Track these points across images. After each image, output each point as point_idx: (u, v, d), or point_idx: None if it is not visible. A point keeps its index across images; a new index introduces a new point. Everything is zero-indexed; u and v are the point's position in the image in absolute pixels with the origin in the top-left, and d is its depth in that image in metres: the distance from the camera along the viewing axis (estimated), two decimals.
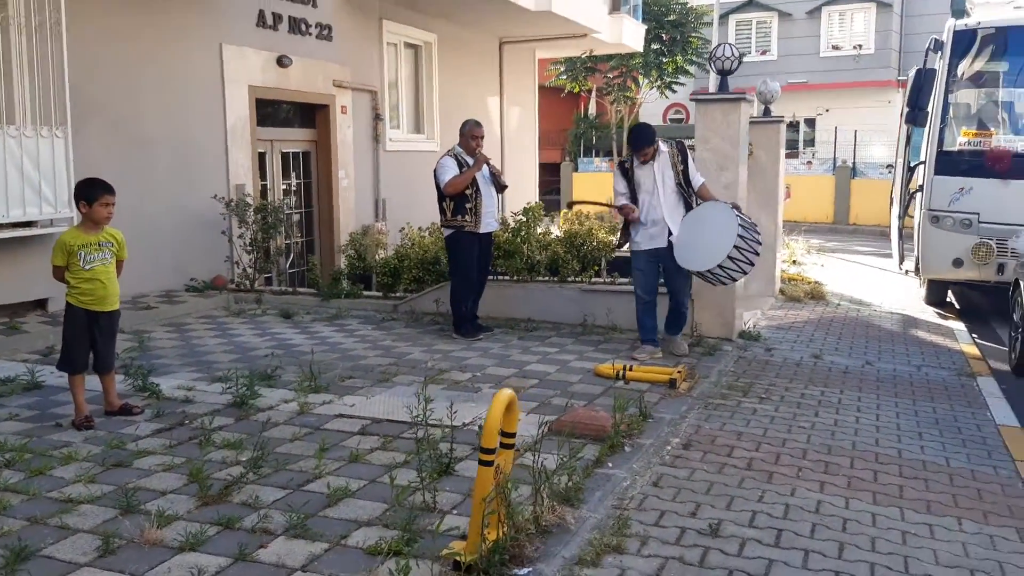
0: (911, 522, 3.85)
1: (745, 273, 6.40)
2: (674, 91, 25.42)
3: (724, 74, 7.54)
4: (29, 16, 6.63)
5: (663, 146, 6.68)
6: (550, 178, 26.91)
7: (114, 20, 7.83)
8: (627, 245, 6.86)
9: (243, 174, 9.49)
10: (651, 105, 28.19)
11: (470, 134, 7.10)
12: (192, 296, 8.42)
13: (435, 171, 7.13)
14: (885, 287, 11.77)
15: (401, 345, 6.91)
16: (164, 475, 3.90)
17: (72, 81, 6.99)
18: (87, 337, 4.64)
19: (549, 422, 4.17)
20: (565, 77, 25.02)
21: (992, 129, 9.64)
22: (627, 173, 6.72)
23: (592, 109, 29.68)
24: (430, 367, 6.10)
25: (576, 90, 26.15)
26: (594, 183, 26.48)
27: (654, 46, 23.86)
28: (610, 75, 24.83)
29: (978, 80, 10.14)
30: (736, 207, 6.47)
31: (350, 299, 8.52)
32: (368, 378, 5.80)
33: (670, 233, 6.57)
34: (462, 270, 7.09)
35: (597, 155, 28.82)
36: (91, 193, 4.54)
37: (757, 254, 6.29)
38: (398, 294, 8.51)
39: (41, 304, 7.23)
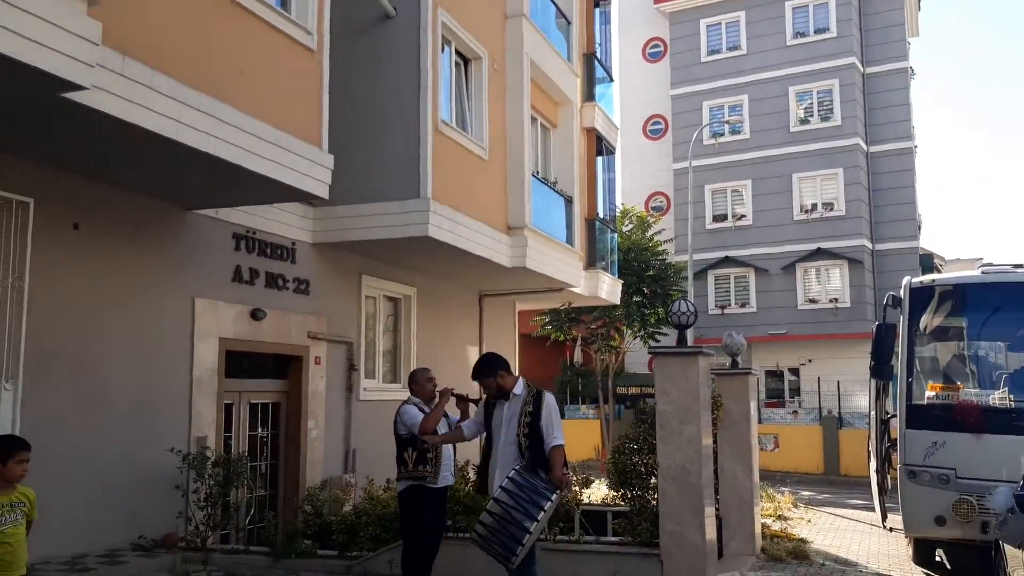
0: None
1: (517, 539, 5.43)
2: (657, 340, 25.89)
3: (681, 328, 7.68)
4: None
5: (519, 389, 6.02)
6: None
7: (83, 275, 8.01)
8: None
9: (206, 426, 9.35)
10: (636, 353, 28.67)
11: (424, 379, 7.15)
12: (137, 556, 7.98)
13: (396, 420, 7.01)
14: (873, 545, 11.27)
15: None
16: None
17: (35, 334, 7.06)
18: None
19: None
20: (550, 327, 25.59)
21: (959, 383, 9.67)
22: (488, 407, 6.17)
23: (578, 357, 30.10)
24: None
25: (561, 339, 26.65)
26: (581, 429, 26.31)
27: (636, 298, 24.66)
28: (593, 325, 25.41)
29: (941, 335, 10.33)
30: (518, 468, 5.65)
31: (304, 558, 8.08)
32: None
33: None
34: (416, 529, 6.74)
35: (583, 403, 28.86)
36: (5, 450, 4.40)
37: (528, 515, 5.43)
38: (354, 553, 8.09)
39: None
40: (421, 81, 10.66)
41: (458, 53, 12.10)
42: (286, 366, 10.92)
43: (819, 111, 30.36)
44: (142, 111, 6.46)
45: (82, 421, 7.88)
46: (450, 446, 7.01)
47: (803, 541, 10.70)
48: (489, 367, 6.10)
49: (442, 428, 6.74)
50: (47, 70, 5.27)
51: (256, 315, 10.05)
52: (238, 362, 10.08)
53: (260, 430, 10.54)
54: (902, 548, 10.81)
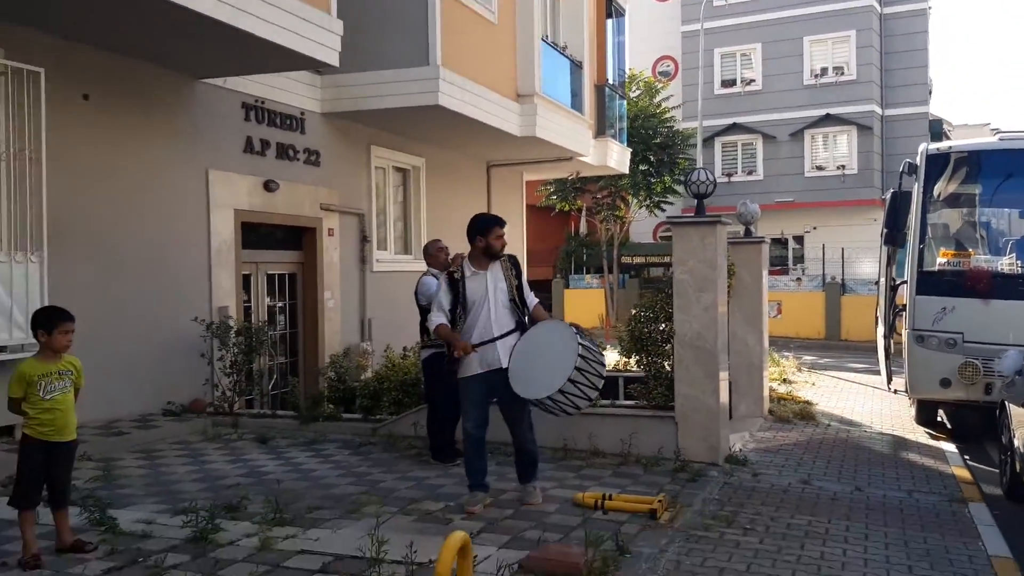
0: None
1: (589, 400, 5.68)
2: (663, 210, 25.89)
3: (700, 197, 7.64)
4: (9, 144, 6.74)
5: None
6: (542, 294, 27.07)
7: (98, 146, 7.96)
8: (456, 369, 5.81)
9: (226, 296, 9.48)
10: (641, 223, 28.69)
11: (435, 250, 7.40)
12: (168, 421, 8.27)
13: (417, 291, 7.12)
14: (876, 406, 11.62)
15: (375, 472, 6.72)
16: None
17: (52, 205, 7.06)
18: (42, 471, 4.49)
19: (514, 563, 3.99)
20: (555, 197, 25.49)
21: (971, 249, 9.74)
22: (455, 284, 5.79)
23: (583, 227, 30.13)
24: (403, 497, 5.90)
25: (566, 209, 26.61)
26: (585, 298, 26.67)
27: (642, 167, 24.45)
28: (599, 195, 25.30)
29: (954, 201, 10.33)
30: (577, 328, 5.73)
31: (330, 422, 8.36)
32: (337, 508, 5.61)
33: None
34: (440, 395, 6.83)
35: (588, 272, 29.10)
36: (49, 321, 4.48)
37: (602, 377, 5.63)
38: (378, 417, 8.36)
39: (7, 431, 7.06)
40: None
41: None
42: (300, 237, 10.97)
43: None
44: None
45: (106, 291, 8.00)
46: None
47: (808, 403, 11.02)
48: (486, 225, 5.86)
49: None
50: None
51: (269, 186, 10.02)
52: (253, 233, 10.12)
53: (278, 300, 10.69)
54: (904, 409, 11.16)
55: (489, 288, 5.76)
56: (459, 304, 5.77)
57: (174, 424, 8.18)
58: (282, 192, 10.24)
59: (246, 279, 10.05)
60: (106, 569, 4.36)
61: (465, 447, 5.90)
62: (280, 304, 10.73)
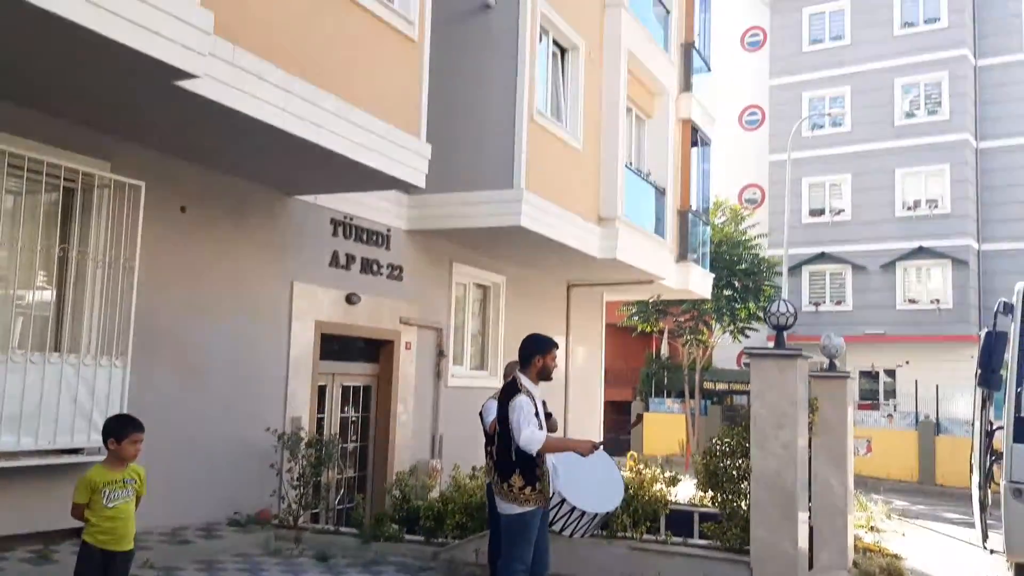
0: None
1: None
2: (747, 336, 25.39)
3: (780, 329, 7.45)
4: (106, 252, 7.08)
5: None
6: (622, 417, 26.62)
7: (190, 256, 8.29)
8: (519, 502, 5.55)
9: (300, 407, 9.58)
10: (725, 349, 28.19)
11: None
12: (233, 531, 8.25)
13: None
14: (971, 565, 10.79)
15: None
16: None
17: (140, 313, 7.32)
18: None
19: None
20: (636, 318, 25.33)
21: None
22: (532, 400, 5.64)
23: (664, 350, 29.74)
24: None
25: (647, 331, 26.37)
26: (665, 423, 26.05)
27: (726, 292, 24.19)
28: (681, 318, 25.05)
29: None
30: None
31: (391, 542, 8.20)
32: None
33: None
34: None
35: (668, 396, 28.53)
36: (121, 431, 4.57)
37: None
38: (440, 540, 8.17)
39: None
40: (518, 72, 10.63)
41: (555, 43, 12.01)
42: (378, 350, 11.09)
43: (926, 104, 29.14)
44: (250, 100, 6.61)
45: (184, 398, 8.16)
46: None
47: (897, 557, 10.29)
48: (546, 345, 5.83)
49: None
50: (162, 59, 5.44)
51: (351, 299, 10.23)
52: (332, 344, 10.28)
53: (351, 412, 10.74)
54: (1003, 571, 10.32)
55: (539, 410, 5.70)
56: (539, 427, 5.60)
57: (238, 535, 8.15)
58: (363, 305, 10.44)
59: (322, 390, 10.16)
60: None
61: None
62: (354, 416, 10.77)
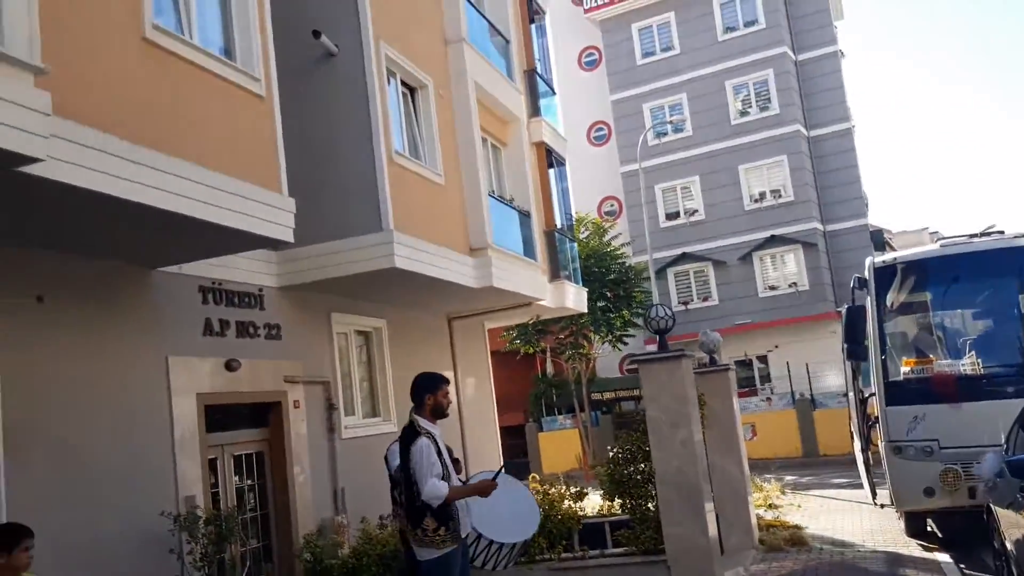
0: None
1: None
2: (625, 343, 26.11)
3: (661, 333, 7.74)
4: None
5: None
6: (516, 441, 26.75)
7: (51, 347, 7.83)
8: (435, 544, 5.47)
9: (193, 484, 9.18)
10: (606, 358, 28.86)
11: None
12: None
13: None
14: (865, 523, 11.44)
15: None
16: None
17: (8, 416, 6.88)
18: None
19: None
20: (518, 341, 25.60)
21: (931, 355, 9.89)
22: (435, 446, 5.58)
23: (549, 368, 30.15)
24: None
25: (531, 352, 26.68)
26: (560, 441, 26.36)
27: (600, 304, 24.80)
28: (561, 335, 25.48)
29: (907, 310, 10.57)
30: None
31: None
32: None
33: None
34: None
35: (560, 413, 28.90)
36: (10, 540, 4.30)
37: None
38: None
39: None
40: (371, 114, 10.65)
41: (404, 83, 12.10)
42: (266, 413, 10.77)
43: (757, 102, 30.92)
44: (98, 175, 6.34)
45: (69, 496, 7.68)
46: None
47: (798, 527, 10.82)
48: (434, 383, 5.84)
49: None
50: (2, 147, 5.18)
51: (231, 366, 9.91)
52: (217, 415, 9.92)
53: (246, 481, 10.38)
54: (893, 522, 10.99)
55: (442, 449, 5.68)
56: (443, 467, 5.58)
57: None
58: (244, 369, 10.13)
59: (212, 463, 9.77)
60: None
61: None
62: (249, 484, 10.41)
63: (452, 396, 6.25)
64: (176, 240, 8.20)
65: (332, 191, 10.68)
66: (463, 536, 5.66)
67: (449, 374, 14.88)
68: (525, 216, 15.24)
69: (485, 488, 5.63)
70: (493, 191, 14.35)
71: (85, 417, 8.09)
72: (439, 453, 5.59)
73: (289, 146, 9.18)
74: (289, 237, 8.70)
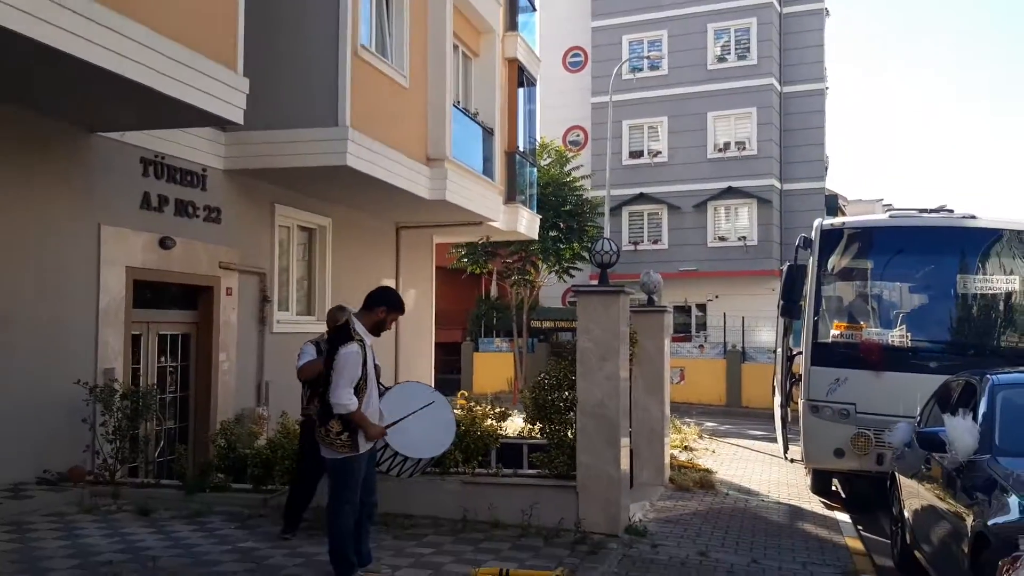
0: None
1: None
2: (572, 276, 26.20)
3: (604, 267, 7.72)
4: None
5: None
6: (451, 358, 26.91)
7: None
8: (336, 447, 5.49)
9: (113, 357, 9.04)
10: (551, 288, 28.94)
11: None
12: (43, 490, 7.74)
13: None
14: (773, 475, 11.80)
15: (263, 547, 6.41)
16: None
17: None
18: None
19: None
20: (466, 260, 25.51)
21: (863, 322, 10.07)
22: (363, 353, 5.52)
23: (493, 291, 30.20)
24: None
25: (477, 272, 26.65)
26: (494, 362, 26.59)
27: (552, 233, 24.74)
28: (509, 259, 25.44)
29: (848, 275, 10.70)
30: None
31: (218, 492, 7.97)
32: None
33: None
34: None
35: (498, 335, 29.08)
36: None
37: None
38: (270, 487, 8.01)
39: None
40: (340, 3, 10.24)
41: None
42: (196, 297, 10.60)
43: (736, 49, 30.62)
44: (49, 28, 6.05)
45: None
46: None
47: (708, 471, 11.11)
48: (396, 304, 5.83)
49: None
50: None
51: (165, 243, 9.68)
52: (146, 291, 9.73)
53: (169, 362, 10.25)
54: (800, 478, 11.36)
55: (371, 361, 5.64)
56: (363, 378, 5.51)
57: (49, 494, 7.67)
58: (179, 249, 9.90)
59: (136, 339, 9.61)
60: None
61: (345, 530, 5.54)
62: (172, 365, 10.29)
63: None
64: (119, 105, 7.90)
65: (290, 77, 10.31)
66: (371, 446, 5.65)
67: (391, 282, 14.81)
68: (488, 133, 14.97)
69: (374, 432, 5.59)
70: (458, 102, 14.05)
71: (9, 273, 7.86)
72: (365, 362, 5.52)
73: (250, 24, 8.82)
74: (238, 118, 8.42)
